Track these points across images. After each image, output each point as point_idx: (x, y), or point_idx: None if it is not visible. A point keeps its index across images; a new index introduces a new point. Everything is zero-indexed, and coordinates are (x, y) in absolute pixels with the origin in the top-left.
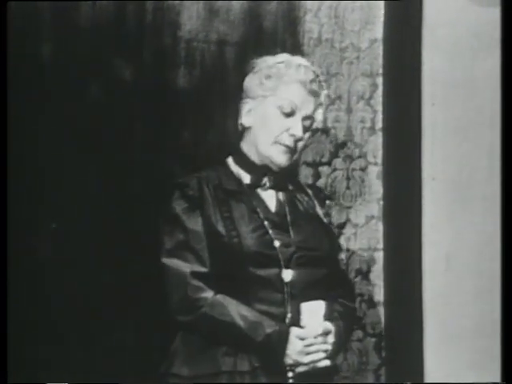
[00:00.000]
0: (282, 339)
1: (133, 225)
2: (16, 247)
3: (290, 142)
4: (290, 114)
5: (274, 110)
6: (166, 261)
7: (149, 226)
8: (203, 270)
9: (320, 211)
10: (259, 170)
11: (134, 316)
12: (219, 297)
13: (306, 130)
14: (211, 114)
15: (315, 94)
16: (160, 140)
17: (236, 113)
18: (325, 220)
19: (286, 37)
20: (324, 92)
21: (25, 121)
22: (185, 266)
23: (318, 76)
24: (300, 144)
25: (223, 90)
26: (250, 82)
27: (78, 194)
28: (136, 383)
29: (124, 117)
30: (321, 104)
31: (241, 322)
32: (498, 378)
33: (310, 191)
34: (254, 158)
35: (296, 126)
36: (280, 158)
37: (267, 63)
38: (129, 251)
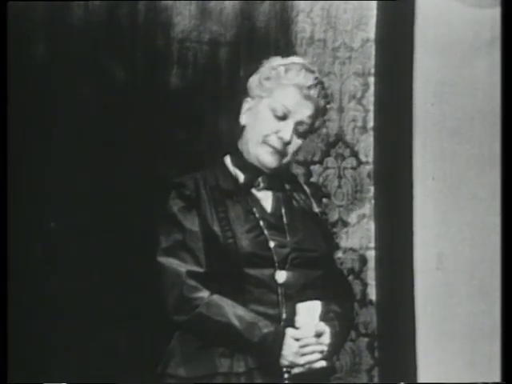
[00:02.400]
0: (278, 340)
1: (130, 225)
2: (16, 247)
3: (277, 144)
4: (282, 118)
5: (267, 111)
6: (162, 260)
7: (145, 225)
8: (199, 269)
9: (317, 210)
10: (253, 170)
11: (132, 316)
12: (215, 297)
13: (299, 135)
14: (204, 113)
15: (312, 101)
16: (153, 140)
17: (229, 112)
18: (321, 219)
19: (279, 37)
20: (327, 104)
21: (24, 121)
22: (181, 266)
23: (319, 83)
24: (290, 148)
25: (216, 89)
26: (253, 81)
27: (75, 194)
28: (133, 383)
29: (117, 117)
30: (322, 114)
31: (237, 323)
32: (491, 377)
33: (307, 189)
34: (246, 156)
35: (285, 130)
36: (267, 159)
37: (271, 64)
38: (127, 251)
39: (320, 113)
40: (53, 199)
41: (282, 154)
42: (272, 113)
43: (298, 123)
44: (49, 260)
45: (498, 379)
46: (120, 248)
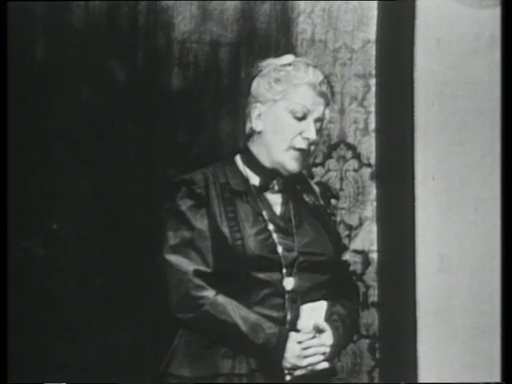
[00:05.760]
0: (282, 341)
1: (131, 224)
2: (16, 247)
3: (304, 145)
4: (302, 118)
5: (286, 114)
6: (170, 257)
7: (146, 226)
8: (206, 269)
9: (326, 211)
10: (269, 174)
11: (133, 316)
12: (220, 297)
13: (316, 132)
14: (205, 114)
15: (324, 96)
16: (153, 140)
17: (231, 112)
18: (330, 220)
19: (280, 38)
20: (332, 95)
21: (24, 121)
22: (188, 264)
23: (326, 77)
24: (312, 147)
25: (217, 90)
26: (259, 86)
27: (75, 195)
28: (134, 383)
29: (117, 117)
30: (328, 105)
31: (241, 323)
32: (492, 378)
33: (316, 189)
34: (265, 161)
35: (309, 129)
36: (293, 165)
37: (274, 66)
38: (128, 251)
39: (328, 105)
40: (54, 200)
41: (306, 155)
42: (291, 115)
43: (316, 120)
44: (50, 261)
45: (498, 379)
46: (122, 248)
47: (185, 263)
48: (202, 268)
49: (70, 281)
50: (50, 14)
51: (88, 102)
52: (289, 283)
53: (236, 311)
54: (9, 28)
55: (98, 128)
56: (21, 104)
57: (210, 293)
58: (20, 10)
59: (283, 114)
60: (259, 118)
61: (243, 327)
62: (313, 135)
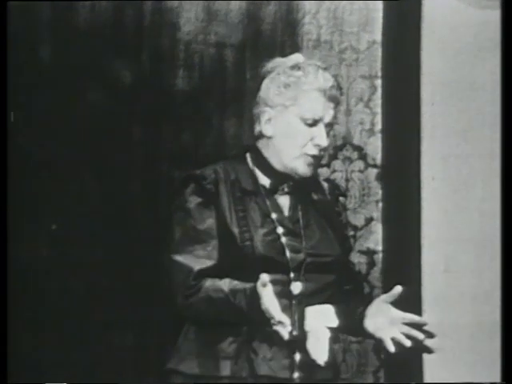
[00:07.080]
0: (255, 296)
1: (133, 225)
2: (16, 247)
3: (315, 151)
4: (313, 124)
5: (297, 120)
6: (175, 256)
7: (149, 226)
8: (212, 269)
9: (334, 209)
10: (279, 177)
11: (135, 315)
12: (216, 279)
13: (327, 136)
14: (210, 115)
15: (334, 99)
16: (158, 141)
17: (236, 114)
18: (338, 220)
19: (285, 39)
20: (341, 96)
21: (25, 121)
22: (193, 263)
23: (335, 81)
24: (323, 152)
25: (222, 91)
26: (268, 89)
27: (77, 195)
28: (135, 383)
29: (123, 118)
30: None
31: (230, 294)
32: (492, 378)
33: (326, 187)
34: (276, 165)
35: (320, 136)
36: (305, 170)
37: (283, 68)
38: (129, 251)
39: (337, 106)
40: (54, 200)
41: (318, 160)
42: (302, 121)
43: (327, 125)
44: (51, 261)
45: (498, 379)
46: (122, 248)
47: (190, 261)
48: (208, 267)
49: (71, 281)
50: (56, 15)
51: (93, 103)
52: (296, 288)
53: (227, 284)
54: (13, 28)
55: (103, 128)
56: (22, 104)
57: (208, 281)
58: (25, 10)
59: (294, 120)
60: (269, 122)
61: (231, 297)
62: (324, 142)
